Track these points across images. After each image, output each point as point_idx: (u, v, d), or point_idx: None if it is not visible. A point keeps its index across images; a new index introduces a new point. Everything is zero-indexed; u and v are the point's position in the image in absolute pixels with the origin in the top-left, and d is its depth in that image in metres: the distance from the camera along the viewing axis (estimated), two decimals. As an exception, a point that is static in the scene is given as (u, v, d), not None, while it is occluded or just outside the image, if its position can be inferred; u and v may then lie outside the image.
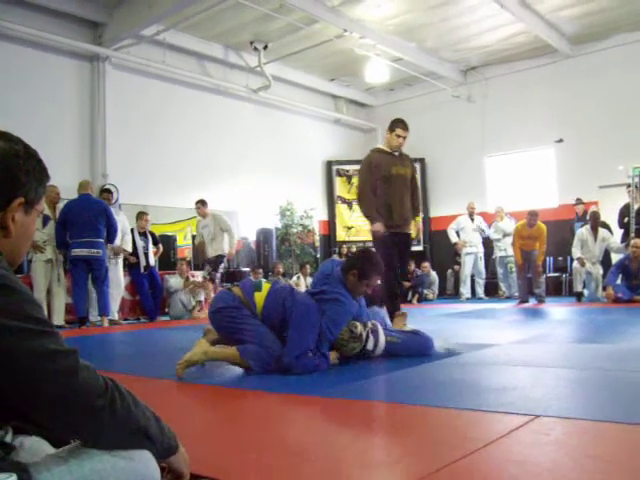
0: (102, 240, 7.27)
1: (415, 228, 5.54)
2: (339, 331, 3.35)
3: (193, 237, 10.42)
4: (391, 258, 5.11)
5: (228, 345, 3.34)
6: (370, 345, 3.50)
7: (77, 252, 7.11)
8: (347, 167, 13.41)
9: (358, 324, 3.46)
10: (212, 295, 8.21)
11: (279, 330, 3.27)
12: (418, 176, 13.78)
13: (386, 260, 5.03)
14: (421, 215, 6.07)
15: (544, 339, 4.39)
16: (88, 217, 7.15)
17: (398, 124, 5.30)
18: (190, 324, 7.28)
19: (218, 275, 8.75)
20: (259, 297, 3.32)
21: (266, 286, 3.40)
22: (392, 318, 4.87)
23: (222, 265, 8.88)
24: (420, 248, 12.92)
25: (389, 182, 5.24)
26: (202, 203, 8.76)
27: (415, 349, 3.67)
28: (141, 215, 8.58)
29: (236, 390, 2.85)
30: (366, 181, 5.26)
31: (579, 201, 10.35)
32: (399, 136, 5.27)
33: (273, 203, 11.75)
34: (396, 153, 5.35)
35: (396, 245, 5.25)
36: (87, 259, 7.16)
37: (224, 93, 11.11)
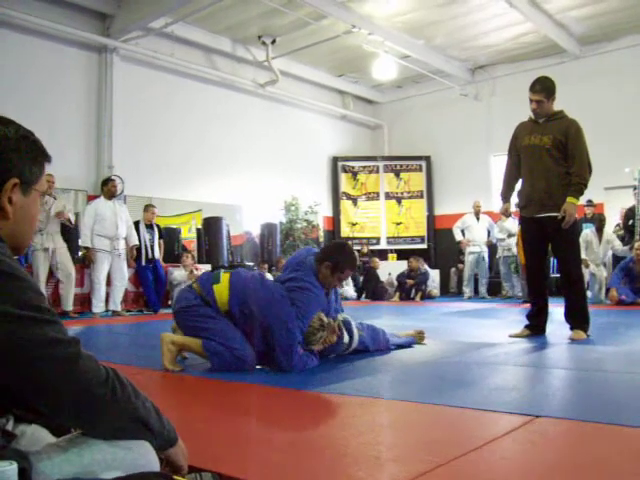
0: None
1: (567, 208, 4.11)
2: (308, 321, 3.21)
3: (197, 230, 10.42)
4: (529, 254, 4.52)
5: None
6: (346, 339, 3.44)
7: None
8: (353, 163, 13.39)
9: (322, 315, 3.34)
10: None
11: (250, 320, 3.16)
12: (423, 175, 13.66)
13: (526, 256, 4.63)
14: (579, 185, 4.22)
15: (545, 339, 4.38)
16: None
17: (530, 87, 4.31)
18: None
19: None
20: (219, 289, 3.19)
21: (225, 277, 3.25)
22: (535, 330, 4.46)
23: None
24: (424, 246, 12.93)
25: (522, 155, 4.43)
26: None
27: (378, 343, 3.67)
28: (148, 207, 8.53)
29: (236, 384, 2.86)
30: (508, 156, 4.59)
31: (590, 203, 10.28)
32: (530, 101, 4.30)
33: (278, 198, 11.75)
34: (540, 120, 4.34)
35: (537, 236, 4.39)
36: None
37: (231, 87, 11.10)
